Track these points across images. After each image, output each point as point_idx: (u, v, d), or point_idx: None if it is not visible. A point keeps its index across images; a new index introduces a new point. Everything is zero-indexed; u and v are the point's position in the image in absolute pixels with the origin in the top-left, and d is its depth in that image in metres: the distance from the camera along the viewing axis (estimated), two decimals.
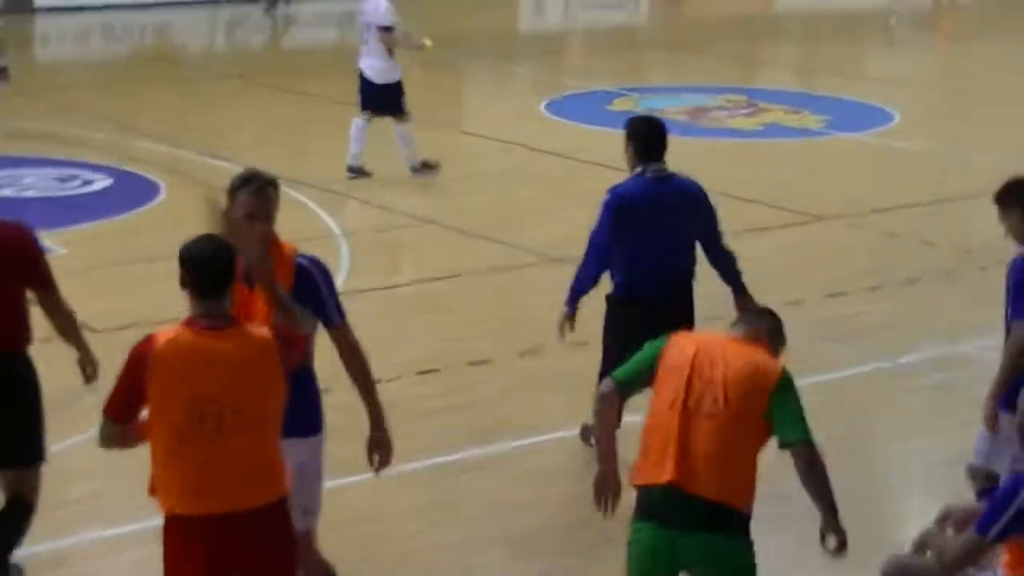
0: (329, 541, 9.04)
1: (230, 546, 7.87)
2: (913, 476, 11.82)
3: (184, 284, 7.64)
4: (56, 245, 17.79)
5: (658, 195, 12.00)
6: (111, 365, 8.15)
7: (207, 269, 7.59)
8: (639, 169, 12.06)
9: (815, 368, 11.58)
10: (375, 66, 20.26)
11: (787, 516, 9.67)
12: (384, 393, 9.09)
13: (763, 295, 14.15)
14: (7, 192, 20.35)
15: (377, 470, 9.19)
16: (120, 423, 7.78)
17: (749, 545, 8.23)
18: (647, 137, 12.21)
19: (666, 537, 8.10)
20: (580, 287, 12.10)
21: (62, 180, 21.02)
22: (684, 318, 11.85)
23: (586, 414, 11.24)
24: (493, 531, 10.72)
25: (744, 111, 26.12)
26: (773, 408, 8.14)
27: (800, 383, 8.09)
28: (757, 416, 8.15)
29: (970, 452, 9.99)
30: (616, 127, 21.82)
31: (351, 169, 20.31)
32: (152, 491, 7.81)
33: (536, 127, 24.75)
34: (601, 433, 8.55)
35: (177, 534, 7.77)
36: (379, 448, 9.13)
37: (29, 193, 20.43)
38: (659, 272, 12.10)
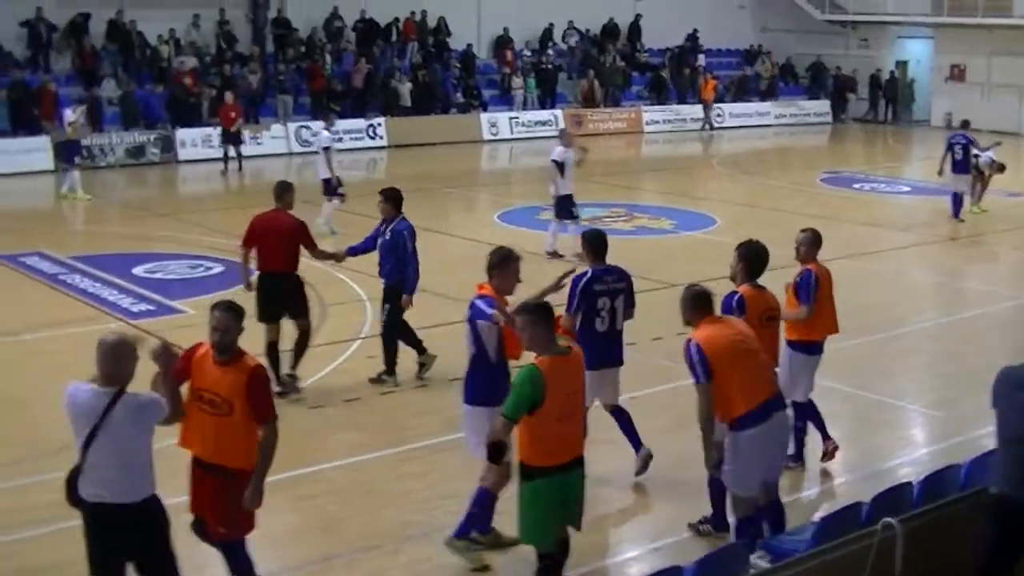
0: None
1: None
2: None
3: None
4: (187, 308, 17.77)
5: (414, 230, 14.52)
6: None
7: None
8: (401, 216, 14.44)
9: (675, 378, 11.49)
10: (553, 186, 21.56)
11: None
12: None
13: (634, 334, 14.08)
14: (159, 275, 20.43)
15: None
16: None
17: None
18: (400, 199, 14.53)
19: None
20: (414, 284, 14.54)
21: (192, 267, 21.04)
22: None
23: None
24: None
25: (623, 218, 26.15)
26: None
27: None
28: None
29: None
30: (541, 229, 21.94)
31: (548, 253, 21.41)
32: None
33: (491, 230, 24.73)
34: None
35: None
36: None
37: (173, 276, 20.49)
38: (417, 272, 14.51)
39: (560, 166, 21.55)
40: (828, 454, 12.09)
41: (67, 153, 30.37)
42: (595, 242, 11.65)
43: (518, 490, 8.56)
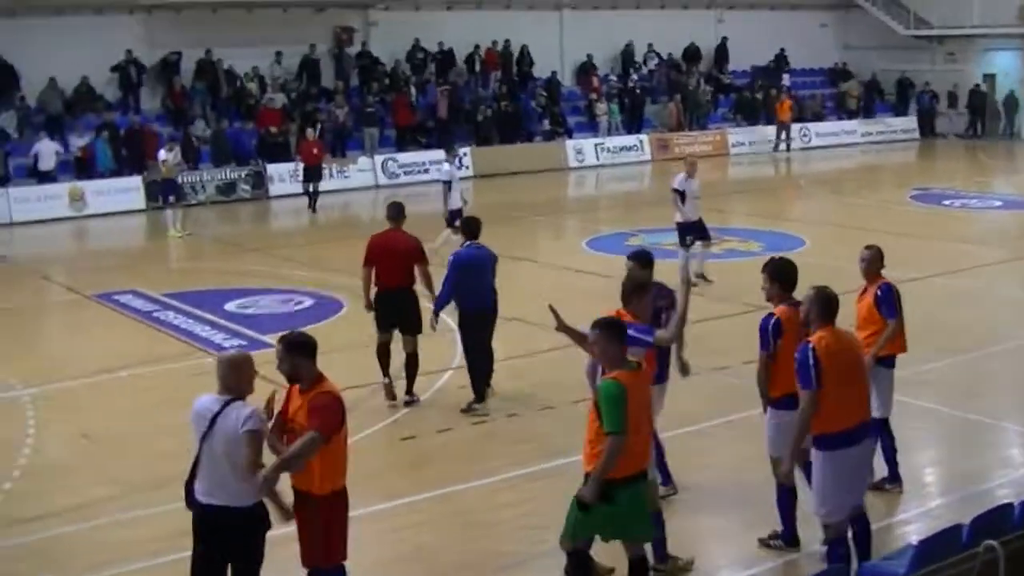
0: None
1: None
2: None
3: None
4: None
5: (478, 256, 14.68)
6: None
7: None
8: (467, 243, 14.81)
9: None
10: (678, 213, 21.61)
11: None
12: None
13: (728, 357, 13.88)
14: (251, 310, 20.62)
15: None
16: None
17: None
18: (474, 227, 15.04)
19: None
20: (440, 304, 14.65)
21: (283, 302, 21.18)
22: (493, 323, 14.84)
23: None
24: None
25: (712, 242, 25.95)
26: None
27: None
28: None
29: None
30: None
31: (699, 276, 21.18)
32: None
33: (580, 257, 24.70)
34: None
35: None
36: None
37: (264, 311, 20.65)
38: (481, 298, 14.65)
39: (681, 194, 21.58)
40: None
41: (163, 192, 30.87)
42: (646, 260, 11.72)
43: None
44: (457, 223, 23.36)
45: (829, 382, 8.92)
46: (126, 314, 20.81)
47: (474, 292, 14.64)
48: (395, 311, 15.02)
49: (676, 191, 21.66)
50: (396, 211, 15.39)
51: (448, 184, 24.45)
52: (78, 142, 35.16)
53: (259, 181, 36.60)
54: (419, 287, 15.15)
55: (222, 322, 19.76)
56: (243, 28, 39.43)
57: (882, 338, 11.33)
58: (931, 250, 24.39)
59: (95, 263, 27.26)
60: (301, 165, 34.55)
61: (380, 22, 43.16)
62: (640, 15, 48.35)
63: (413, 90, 42.01)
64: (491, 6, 45.06)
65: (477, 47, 44.51)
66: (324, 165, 34.65)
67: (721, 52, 50.70)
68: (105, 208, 33.56)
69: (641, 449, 8.65)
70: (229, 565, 8.19)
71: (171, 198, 30.37)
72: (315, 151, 33.92)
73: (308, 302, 20.96)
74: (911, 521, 11.17)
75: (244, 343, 18.32)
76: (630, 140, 44.86)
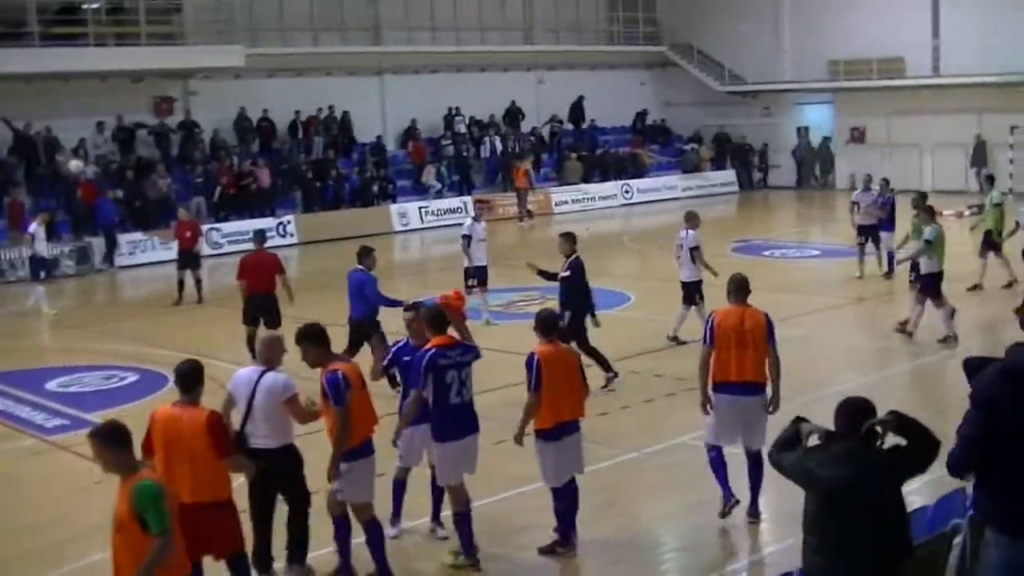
0: None
1: None
2: None
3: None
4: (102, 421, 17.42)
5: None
6: None
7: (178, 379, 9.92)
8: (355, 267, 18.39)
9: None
10: (688, 273, 21.61)
11: None
12: None
13: None
14: (74, 388, 20.16)
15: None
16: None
17: None
18: (359, 253, 18.56)
19: None
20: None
21: (106, 378, 20.77)
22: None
23: None
24: None
25: (537, 301, 26.08)
26: None
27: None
28: None
29: None
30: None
31: (670, 338, 20.88)
32: None
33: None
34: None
35: None
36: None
37: (87, 388, 20.25)
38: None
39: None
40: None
41: (38, 267, 29.20)
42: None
43: None
44: (472, 281, 23.80)
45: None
46: None
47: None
48: (261, 310, 20.07)
49: (696, 248, 21.52)
50: (260, 237, 21.52)
51: (468, 239, 23.89)
52: None
53: (83, 256, 35.73)
54: (279, 291, 20.27)
55: (44, 402, 19.24)
56: (60, 99, 38.55)
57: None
58: (754, 300, 24.74)
59: None
60: (163, 245, 33.48)
61: (200, 91, 42.76)
62: (461, 78, 48.71)
63: (235, 159, 41.62)
64: (312, 73, 44.99)
65: (298, 113, 44.40)
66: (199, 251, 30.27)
67: (576, 111, 52.17)
68: None
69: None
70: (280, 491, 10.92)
71: (41, 274, 28.98)
72: (188, 233, 29.28)
73: (132, 377, 20.52)
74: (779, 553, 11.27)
75: (67, 422, 17.91)
76: (455, 202, 44.92)
